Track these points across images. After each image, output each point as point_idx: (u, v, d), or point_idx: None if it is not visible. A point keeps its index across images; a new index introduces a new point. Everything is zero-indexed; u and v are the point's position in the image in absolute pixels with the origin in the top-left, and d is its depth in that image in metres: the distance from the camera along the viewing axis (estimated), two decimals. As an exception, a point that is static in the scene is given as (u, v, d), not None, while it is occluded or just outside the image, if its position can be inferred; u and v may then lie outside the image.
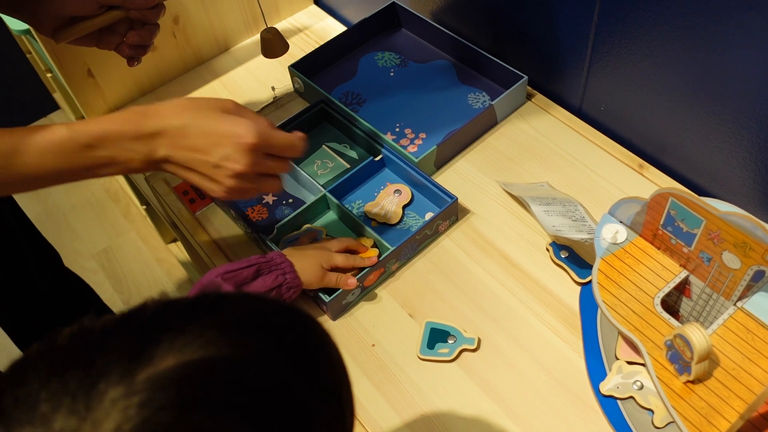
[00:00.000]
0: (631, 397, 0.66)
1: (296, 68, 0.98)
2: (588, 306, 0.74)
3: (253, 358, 0.31)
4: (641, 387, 0.66)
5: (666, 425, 0.64)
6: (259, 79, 1.08)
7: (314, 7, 1.22)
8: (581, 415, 0.67)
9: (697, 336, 0.54)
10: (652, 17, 0.73)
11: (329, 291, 0.74)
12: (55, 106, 1.97)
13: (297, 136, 0.64)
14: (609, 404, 0.67)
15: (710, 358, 0.57)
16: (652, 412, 0.65)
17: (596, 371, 0.69)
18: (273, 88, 1.02)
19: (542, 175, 0.87)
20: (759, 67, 0.67)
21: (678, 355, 0.58)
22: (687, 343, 0.55)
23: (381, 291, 0.79)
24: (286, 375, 0.32)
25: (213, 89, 1.11)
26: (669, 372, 0.59)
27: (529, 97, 0.96)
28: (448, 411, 0.69)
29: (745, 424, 0.57)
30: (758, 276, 0.59)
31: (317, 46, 1.02)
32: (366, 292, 0.78)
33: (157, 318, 0.31)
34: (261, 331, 0.33)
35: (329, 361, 0.37)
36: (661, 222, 0.64)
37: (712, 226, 0.59)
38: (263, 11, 1.10)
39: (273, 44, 0.89)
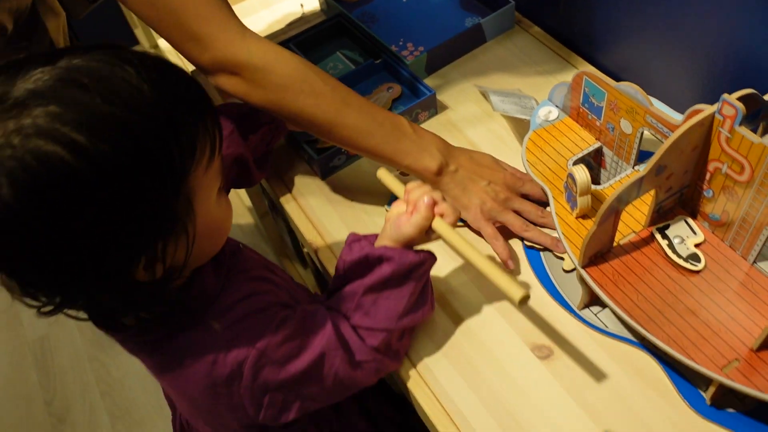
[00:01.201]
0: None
1: (323, -10, 1.16)
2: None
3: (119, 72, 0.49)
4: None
5: (571, 270, 0.78)
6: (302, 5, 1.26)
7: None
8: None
9: (580, 173, 0.69)
10: None
11: (318, 149, 0.92)
12: (134, 41, 2.22)
13: (541, 190, 0.81)
14: (533, 255, 0.82)
15: (592, 195, 0.72)
16: (563, 260, 0.80)
17: (527, 228, 0.84)
18: (301, 5, 1.20)
19: (517, 84, 1.01)
20: (717, 16, 0.78)
21: (571, 194, 0.72)
22: (574, 180, 0.70)
23: (364, 162, 0.96)
24: (145, 87, 0.49)
25: (251, 6, 1.29)
26: (566, 210, 0.74)
27: (518, 23, 1.10)
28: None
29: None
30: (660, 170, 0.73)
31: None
32: (352, 160, 0.95)
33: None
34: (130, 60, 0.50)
35: (188, 88, 0.53)
36: (581, 100, 0.79)
37: (611, 97, 0.73)
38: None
39: None
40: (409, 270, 0.66)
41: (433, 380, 0.74)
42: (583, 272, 0.69)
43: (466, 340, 0.76)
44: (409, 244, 0.68)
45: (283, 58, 0.75)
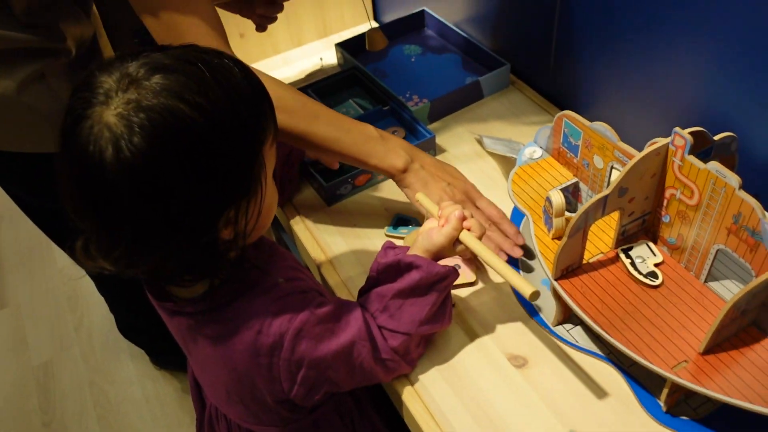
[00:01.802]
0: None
1: (341, 46, 1.30)
2: (515, 217, 0.98)
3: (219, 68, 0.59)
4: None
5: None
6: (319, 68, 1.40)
7: (373, 23, 1.55)
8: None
9: (556, 196, 0.79)
10: (596, 34, 1.00)
11: (327, 178, 1.02)
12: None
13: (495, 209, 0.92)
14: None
15: (566, 218, 0.81)
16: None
17: (510, 255, 0.93)
18: (321, 59, 1.33)
19: (509, 134, 1.13)
20: (690, 76, 0.89)
21: (548, 217, 0.82)
22: (551, 203, 0.79)
23: (367, 192, 1.06)
24: (235, 70, 0.60)
25: (274, 63, 1.43)
26: (543, 232, 0.83)
27: (513, 83, 1.23)
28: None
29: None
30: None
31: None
32: (357, 191, 1.05)
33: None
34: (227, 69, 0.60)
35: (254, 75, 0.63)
36: (561, 140, 0.89)
37: (586, 136, 0.84)
38: (368, 11, 1.42)
39: (375, 39, 1.20)
40: (435, 280, 0.75)
41: (420, 385, 0.81)
42: (555, 284, 0.77)
43: (450, 348, 0.84)
44: (438, 254, 0.77)
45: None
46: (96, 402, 1.62)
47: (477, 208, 0.92)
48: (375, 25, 1.25)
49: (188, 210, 0.58)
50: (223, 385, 0.77)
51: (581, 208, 0.71)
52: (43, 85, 0.92)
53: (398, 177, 0.91)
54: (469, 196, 0.93)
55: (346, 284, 0.93)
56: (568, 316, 0.84)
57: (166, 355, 1.62)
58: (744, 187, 0.67)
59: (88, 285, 1.78)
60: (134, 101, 0.55)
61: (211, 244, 0.62)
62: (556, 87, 1.17)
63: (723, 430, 0.72)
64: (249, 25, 1.40)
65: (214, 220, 0.60)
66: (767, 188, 0.84)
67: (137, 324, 1.50)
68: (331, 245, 0.99)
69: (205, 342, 0.72)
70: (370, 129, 0.91)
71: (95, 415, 1.59)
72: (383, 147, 0.90)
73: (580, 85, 1.11)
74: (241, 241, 0.64)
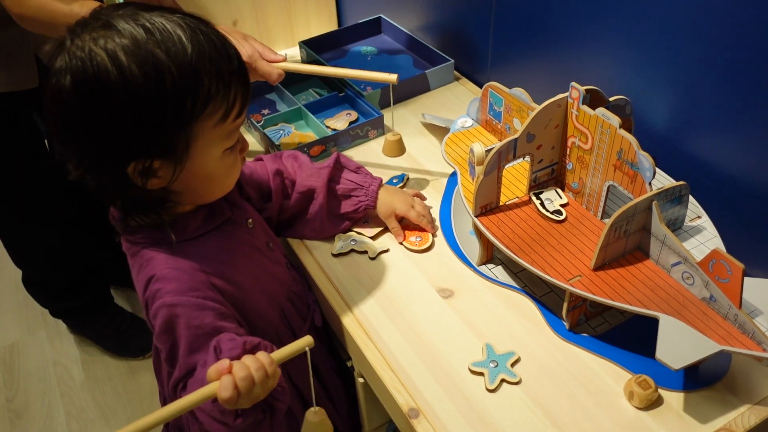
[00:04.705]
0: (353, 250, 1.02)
1: (305, 44, 1.44)
2: (451, 183, 1.11)
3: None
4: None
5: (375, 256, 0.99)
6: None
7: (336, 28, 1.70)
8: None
9: (477, 147, 0.92)
10: (524, 38, 1.16)
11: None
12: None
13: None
14: (445, 222, 1.03)
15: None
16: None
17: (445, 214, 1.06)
18: (285, 54, 1.47)
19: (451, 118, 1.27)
20: (604, 63, 1.05)
21: (472, 167, 0.95)
22: (473, 153, 0.93)
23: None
24: (189, 48, 0.67)
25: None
26: (469, 182, 0.96)
27: (458, 79, 1.38)
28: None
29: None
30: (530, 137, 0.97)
31: (322, 35, 1.48)
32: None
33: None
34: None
35: (228, 63, 0.70)
36: (488, 110, 1.03)
37: (507, 102, 0.98)
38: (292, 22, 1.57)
39: (395, 146, 1.23)
40: None
41: (359, 312, 0.92)
42: (475, 219, 0.90)
43: (387, 281, 0.96)
44: None
45: None
46: (59, 380, 1.68)
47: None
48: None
49: (91, 146, 0.68)
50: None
51: (494, 148, 0.85)
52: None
53: None
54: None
55: (318, 261, 1.05)
56: (490, 256, 0.96)
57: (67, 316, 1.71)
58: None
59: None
60: (81, 47, 0.66)
61: (120, 180, 0.71)
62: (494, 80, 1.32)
63: (615, 343, 0.85)
64: (242, 13, 1.53)
65: (116, 163, 0.69)
66: (662, 153, 0.99)
67: (37, 277, 1.59)
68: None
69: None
70: None
71: (58, 392, 1.65)
72: None
73: (512, 80, 1.26)
74: (170, 194, 0.73)
